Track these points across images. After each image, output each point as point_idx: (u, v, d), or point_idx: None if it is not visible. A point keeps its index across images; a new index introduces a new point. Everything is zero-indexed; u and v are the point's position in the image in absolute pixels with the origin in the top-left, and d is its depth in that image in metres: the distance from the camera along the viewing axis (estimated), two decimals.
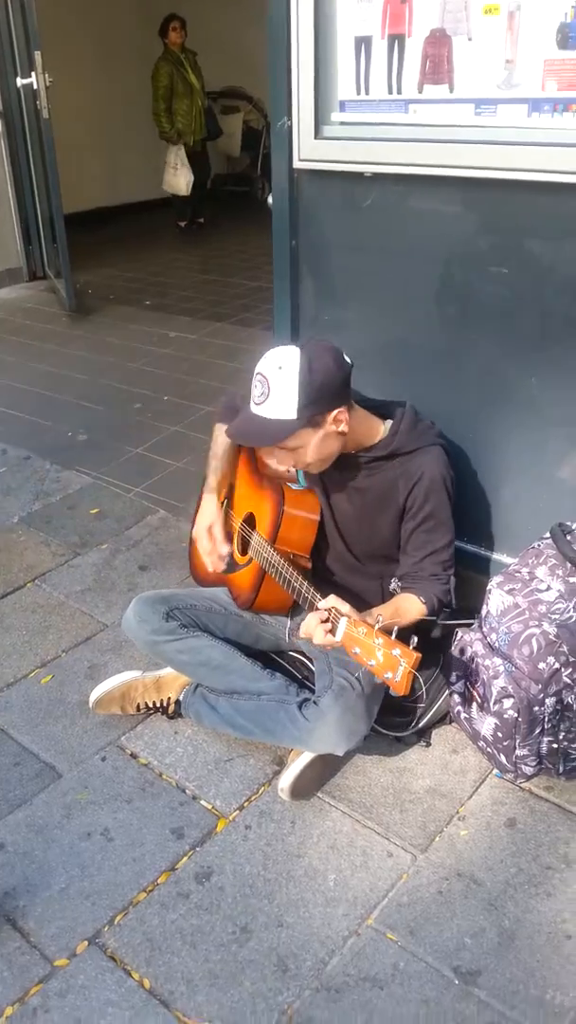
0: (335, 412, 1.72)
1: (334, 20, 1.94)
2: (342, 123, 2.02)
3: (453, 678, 1.90)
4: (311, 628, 1.62)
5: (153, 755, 2.00)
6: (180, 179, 7.25)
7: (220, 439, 2.11)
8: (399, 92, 1.90)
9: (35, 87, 4.73)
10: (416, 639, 1.47)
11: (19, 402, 4.04)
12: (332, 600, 1.60)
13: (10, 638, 2.42)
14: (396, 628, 1.49)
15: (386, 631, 1.48)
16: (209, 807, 1.87)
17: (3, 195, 5.78)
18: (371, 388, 1.93)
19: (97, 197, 7.82)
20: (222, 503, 2.14)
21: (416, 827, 1.81)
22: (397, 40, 1.86)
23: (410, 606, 1.80)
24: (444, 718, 2.02)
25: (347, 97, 1.99)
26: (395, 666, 1.44)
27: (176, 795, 1.90)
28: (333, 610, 1.58)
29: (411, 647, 1.44)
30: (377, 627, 1.50)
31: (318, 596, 1.66)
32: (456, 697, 1.90)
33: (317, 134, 2.03)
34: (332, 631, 1.57)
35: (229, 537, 2.14)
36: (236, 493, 2.15)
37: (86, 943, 1.60)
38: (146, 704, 2.06)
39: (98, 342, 4.83)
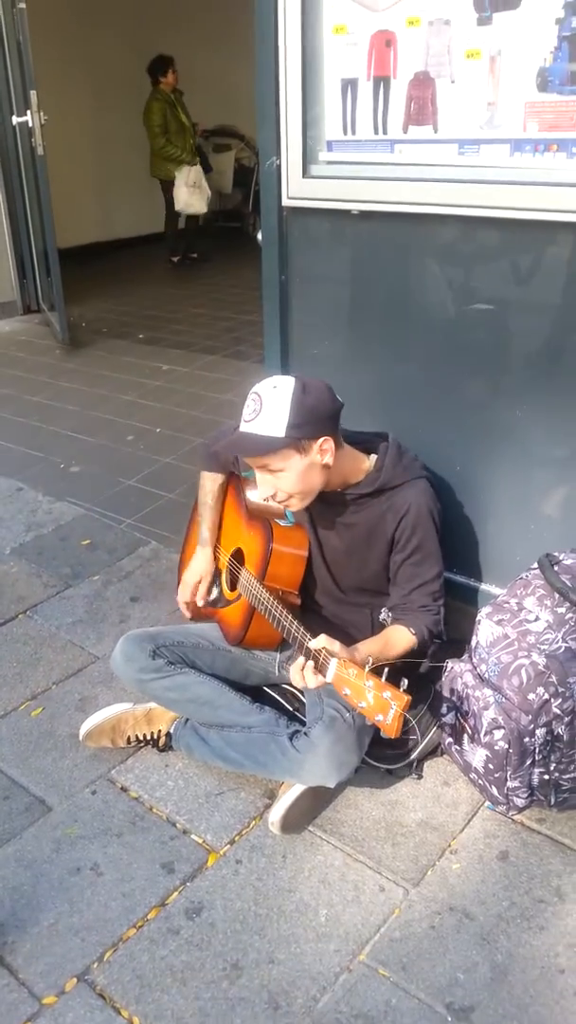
0: (321, 440, 1.74)
1: (321, 63, 1.99)
2: (329, 162, 2.06)
3: (444, 710, 1.90)
4: (299, 672, 1.62)
5: (144, 788, 1.99)
6: (199, 199, 7.34)
7: (208, 486, 2.14)
8: (385, 132, 1.95)
9: (30, 125, 4.81)
10: (407, 681, 1.48)
11: (12, 434, 4.06)
12: (323, 640, 1.60)
13: (0, 670, 2.41)
14: (387, 670, 1.49)
15: (376, 673, 1.48)
16: (200, 841, 1.85)
17: None
18: (359, 420, 1.95)
19: (91, 232, 7.92)
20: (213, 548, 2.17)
21: (408, 861, 1.80)
22: (382, 82, 1.91)
23: (399, 638, 1.81)
24: (435, 750, 2.02)
25: (334, 137, 2.03)
26: (386, 709, 1.45)
27: (167, 829, 1.88)
28: (323, 651, 1.59)
29: (401, 689, 1.44)
30: (367, 669, 1.50)
31: (307, 635, 1.66)
32: (447, 729, 1.90)
33: (305, 173, 2.08)
34: (322, 672, 1.58)
35: (216, 574, 2.16)
36: (225, 529, 2.16)
37: (75, 980, 1.58)
38: (137, 737, 2.06)
39: (91, 375, 4.86)
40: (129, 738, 2.06)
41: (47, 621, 2.62)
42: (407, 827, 1.87)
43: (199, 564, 2.16)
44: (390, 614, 1.88)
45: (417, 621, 1.83)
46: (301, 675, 1.61)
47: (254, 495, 2.05)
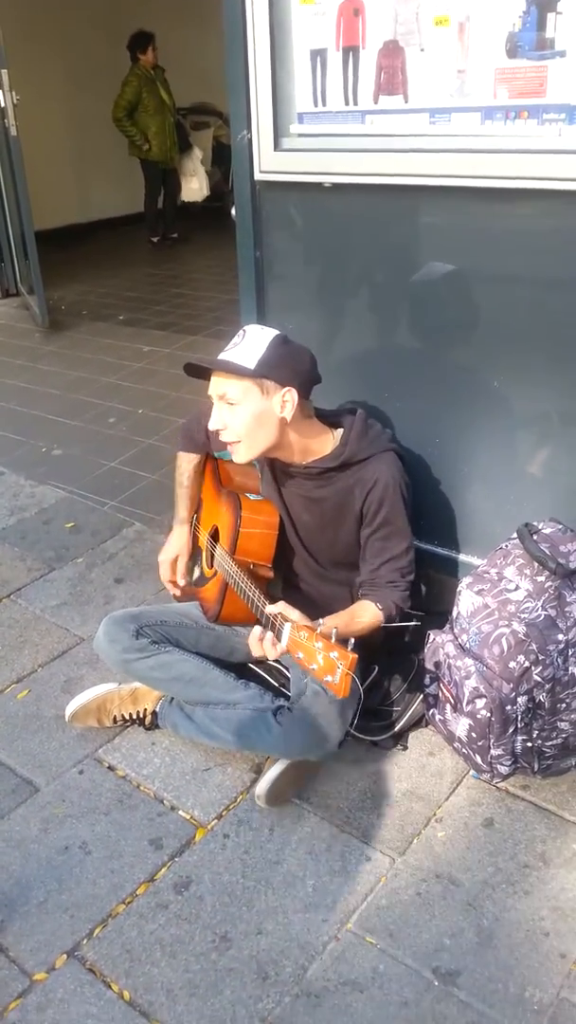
0: (285, 390, 1.73)
1: (289, 33, 1.96)
2: (300, 135, 2.04)
3: (426, 680, 1.92)
4: (256, 641, 1.63)
5: (130, 767, 2.00)
6: (195, 183, 7.62)
7: (184, 467, 2.15)
8: (355, 103, 1.93)
9: (2, 105, 4.74)
10: (354, 640, 1.49)
11: None
12: (280, 606, 1.61)
13: None
14: (335, 631, 1.49)
15: (326, 635, 1.48)
16: (187, 817, 1.87)
17: None
18: (336, 394, 1.95)
19: (68, 214, 7.85)
20: (191, 523, 2.17)
21: (394, 830, 1.81)
22: (352, 52, 1.89)
23: (364, 613, 1.81)
24: (420, 721, 2.03)
25: (304, 109, 2.01)
26: (333, 669, 1.44)
27: (154, 806, 1.90)
28: (279, 616, 1.59)
29: (348, 649, 1.44)
30: (319, 630, 1.50)
31: (266, 602, 1.67)
32: (430, 699, 1.92)
33: (277, 146, 2.05)
34: (278, 637, 1.58)
35: (198, 554, 2.16)
36: (203, 508, 2.16)
37: (65, 956, 1.59)
38: (123, 716, 2.06)
39: (72, 357, 4.83)
40: (115, 717, 2.06)
41: (31, 604, 2.62)
42: (392, 797, 1.89)
43: (173, 542, 2.17)
44: (360, 591, 1.87)
45: (384, 597, 1.83)
46: (260, 644, 1.62)
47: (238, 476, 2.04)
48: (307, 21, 1.93)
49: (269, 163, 2.08)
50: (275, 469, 1.93)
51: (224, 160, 8.47)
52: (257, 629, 1.64)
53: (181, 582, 2.17)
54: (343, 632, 1.58)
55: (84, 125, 7.84)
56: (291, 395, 1.74)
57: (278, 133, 2.05)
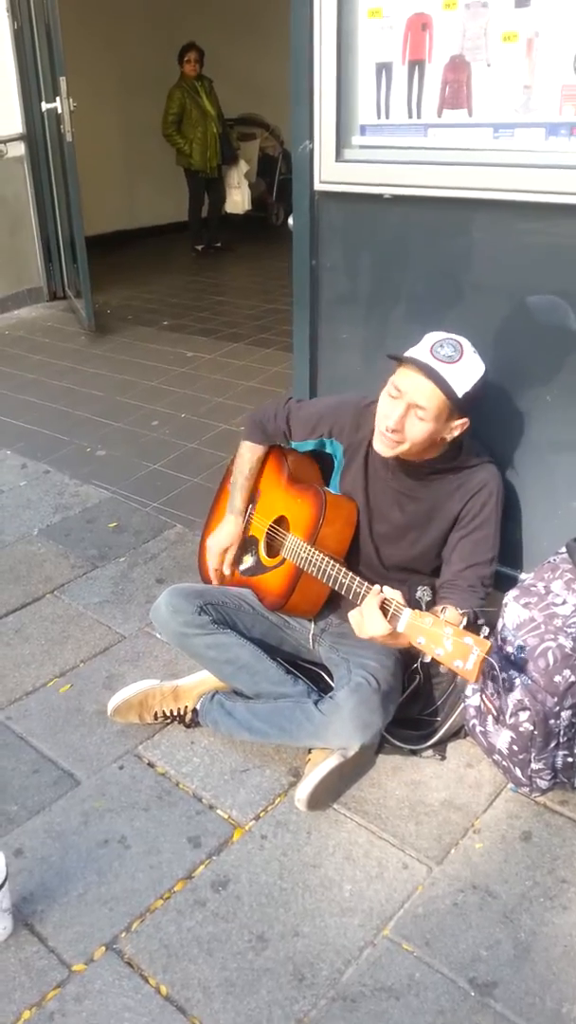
0: (464, 421, 1.79)
1: (355, 47, 1.99)
2: (362, 146, 2.06)
3: (469, 691, 1.91)
4: (371, 615, 1.63)
5: (170, 764, 2.02)
6: (238, 196, 7.73)
7: (247, 456, 2.15)
8: (419, 116, 1.95)
9: (59, 111, 4.83)
10: (487, 629, 1.53)
11: (39, 418, 4.10)
12: (395, 593, 1.64)
13: (29, 647, 2.45)
14: (465, 617, 1.53)
15: (453, 621, 1.52)
16: (225, 816, 1.88)
17: (26, 216, 5.88)
18: None
19: (116, 220, 7.94)
20: (244, 517, 2.19)
21: (431, 839, 1.81)
22: (417, 66, 1.91)
23: (449, 618, 1.81)
24: (459, 732, 2.03)
25: (368, 121, 2.04)
26: (466, 654, 1.47)
27: (193, 804, 1.91)
28: (395, 602, 1.62)
29: (483, 636, 1.47)
30: (443, 617, 1.52)
31: (370, 587, 1.70)
32: (471, 710, 1.91)
33: (338, 157, 2.08)
34: (393, 622, 1.60)
35: (251, 542, 2.18)
36: (264, 498, 2.18)
37: (103, 948, 1.61)
38: (164, 713, 2.08)
39: (116, 361, 4.89)
40: (156, 714, 2.08)
41: (74, 600, 2.66)
42: (430, 807, 1.89)
43: (228, 530, 2.17)
44: (427, 592, 1.88)
45: (465, 601, 1.84)
46: (363, 620, 1.63)
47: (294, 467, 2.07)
48: (374, 34, 1.96)
49: (329, 173, 2.10)
50: (369, 463, 1.95)
51: (269, 171, 8.55)
52: (371, 602, 1.64)
53: (227, 571, 2.18)
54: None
55: (134, 133, 7.94)
56: (466, 425, 1.80)
57: (340, 144, 2.07)
